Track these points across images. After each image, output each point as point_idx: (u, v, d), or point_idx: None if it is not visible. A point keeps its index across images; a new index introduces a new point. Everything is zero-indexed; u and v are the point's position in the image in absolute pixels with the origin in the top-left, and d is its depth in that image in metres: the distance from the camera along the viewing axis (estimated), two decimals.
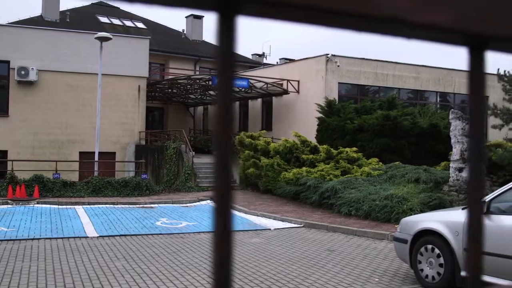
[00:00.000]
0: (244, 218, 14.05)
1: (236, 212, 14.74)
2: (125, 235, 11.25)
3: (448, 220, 7.18)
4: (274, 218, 13.72)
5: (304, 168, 16.90)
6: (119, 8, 34.96)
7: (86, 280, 7.53)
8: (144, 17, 37.15)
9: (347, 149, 17.61)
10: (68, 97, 23.40)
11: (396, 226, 9.44)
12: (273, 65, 31.41)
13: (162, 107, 32.10)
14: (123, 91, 24.30)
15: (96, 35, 20.02)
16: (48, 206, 15.70)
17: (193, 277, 7.81)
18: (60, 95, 23.28)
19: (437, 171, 14.43)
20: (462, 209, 7.34)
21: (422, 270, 7.35)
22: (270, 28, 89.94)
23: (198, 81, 24.60)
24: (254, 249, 9.96)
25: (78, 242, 10.37)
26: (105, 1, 32.17)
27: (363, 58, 23.94)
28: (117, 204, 16.31)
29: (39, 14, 31.16)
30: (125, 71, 24.13)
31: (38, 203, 16.06)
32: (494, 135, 21.78)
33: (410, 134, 18.47)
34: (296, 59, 27.19)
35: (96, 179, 18.24)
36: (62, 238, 10.76)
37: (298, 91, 24.01)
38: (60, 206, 15.71)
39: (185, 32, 36.44)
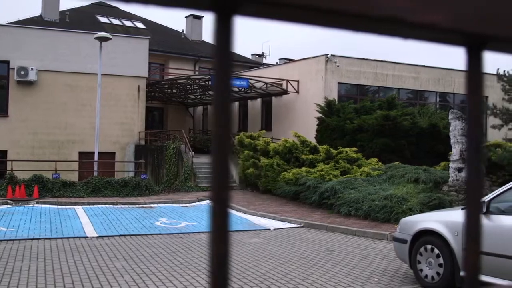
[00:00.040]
0: (243, 218, 14.05)
1: (235, 212, 14.75)
2: (124, 235, 11.25)
3: (448, 220, 7.18)
4: (274, 218, 13.72)
5: (303, 168, 16.90)
6: (118, 8, 34.98)
7: (85, 280, 7.53)
8: (144, 17, 37.17)
9: (347, 149, 17.61)
10: (67, 97, 23.39)
11: (395, 226, 9.44)
12: (272, 65, 31.41)
13: (161, 107, 32.11)
14: (122, 91, 24.30)
15: (95, 35, 20.02)
16: (47, 206, 15.70)
17: (193, 277, 7.81)
18: (59, 95, 23.28)
19: (437, 171, 14.43)
20: (462, 209, 7.35)
21: (421, 270, 7.35)
22: (270, 28, 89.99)
23: (197, 81, 24.60)
24: (254, 249, 9.96)
25: (77, 242, 10.37)
26: (104, 1, 32.18)
27: (363, 58, 23.95)
28: (116, 204, 16.31)
29: (39, 14, 31.16)
30: (124, 71, 24.13)
31: (37, 203, 16.06)
32: (494, 135, 21.78)
33: (409, 134, 18.47)
34: (295, 59, 27.19)
35: (95, 179, 18.24)
36: (61, 238, 10.76)
37: (297, 91, 24.01)
38: (59, 206, 15.71)
39: (184, 32, 36.44)
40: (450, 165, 13.34)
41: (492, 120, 21.87)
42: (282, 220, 13.42)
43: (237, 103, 28.75)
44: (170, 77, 27.24)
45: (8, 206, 15.57)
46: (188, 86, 25.94)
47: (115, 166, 22.92)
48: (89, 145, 22.13)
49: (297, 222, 12.98)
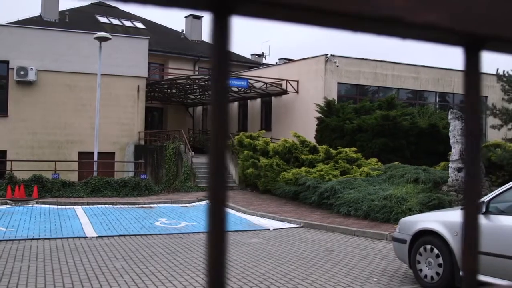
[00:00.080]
0: (243, 218, 14.05)
1: (235, 212, 14.75)
2: (124, 235, 11.25)
3: (447, 220, 7.19)
4: (273, 218, 13.72)
5: (303, 168, 16.90)
6: (118, 8, 34.97)
7: (85, 280, 7.53)
8: (143, 17, 37.16)
9: (346, 149, 17.62)
10: (67, 97, 23.40)
11: (395, 226, 9.45)
12: (272, 65, 31.42)
13: (161, 107, 32.11)
14: (122, 91, 24.31)
15: (95, 35, 20.02)
16: (47, 206, 15.70)
17: (192, 277, 7.81)
18: (59, 95, 23.28)
19: (436, 171, 14.44)
20: (461, 209, 7.33)
21: (421, 270, 7.35)
22: (269, 28, 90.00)
23: (197, 81, 24.60)
24: (253, 249, 9.96)
25: (77, 242, 10.37)
26: (104, 1, 32.16)
27: (362, 58, 23.96)
28: (116, 204, 16.30)
29: (38, 14, 31.15)
30: (124, 71, 24.14)
31: (37, 203, 16.06)
32: (493, 135, 21.78)
33: (409, 134, 18.47)
34: (295, 59, 27.20)
35: (95, 179, 18.23)
36: (61, 238, 10.76)
37: (297, 91, 24.01)
38: (59, 206, 15.71)
39: (184, 32, 36.43)
40: (450, 165, 13.35)
41: (491, 120, 21.88)
42: (281, 220, 13.42)
43: (236, 103, 28.77)
44: (169, 77, 27.24)
45: (8, 206, 15.57)
46: (188, 86, 25.95)
47: (115, 166, 22.92)
48: (89, 145, 22.13)
49: (297, 222, 12.98)
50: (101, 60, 19.91)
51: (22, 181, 17.06)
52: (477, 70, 0.52)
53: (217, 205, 0.40)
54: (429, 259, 7.23)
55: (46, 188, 17.29)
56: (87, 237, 10.99)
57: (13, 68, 22.35)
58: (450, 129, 13.26)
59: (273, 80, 24.24)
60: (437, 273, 7.11)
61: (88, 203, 16.18)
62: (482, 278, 6.20)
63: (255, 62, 36.00)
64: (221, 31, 0.41)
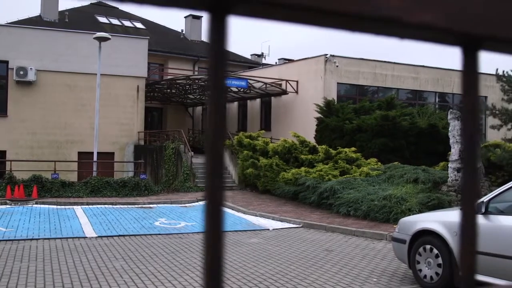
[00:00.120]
0: (242, 218, 14.04)
1: (234, 212, 14.75)
2: (123, 235, 11.25)
3: (446, 220, 7.19)
4: (273, 218, 13.72)
5: (303, 168, 16.91)
6: (117, 8, 34.96)
7: (84, 280, 7.53)
8: (143, 17, 37.15)
9: (346, 149, 17.62)
10: (66, 97, 23.39)
11: (394, 226, 9.45)
12: (272, 65, 31.42)
13: (161, 107, 32.10)
14: (122, 91, 24.30)
15: (94, 35, 20.02)
16: (46, 206, 15.70)
17: (192, 277, 7.81)
18: (58, 95, 23.28)
19: (436, 171, 14.44)
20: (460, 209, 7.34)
21: (420, 270, 7.35)
22: (269, 28, 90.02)
23: (197, 81, 24.60)
24: (253, 249, 9.96)
25: (76, 243, 10.37)
26: (103, 1, 32.16)
27: (362, 59, 23.96)
28: (115, 204, 16.30)
29: (38, 14, 31.13)
30: (124, 71, 24.13)
31: (36, 203, 16.06)
32: (493, 136, 21.79)
33: (408, 134, 18.48)
34: (295, 59, 27.20)
35: (94, 179, 18.23)
36: (60, 238, 10.76)
37: (297, 91, 24.01)
38: (58, 206, 15.71)
39: (184, 32, 36.42)
40: (449, 165, 13.35)
41: (491, 120, 21.89)
42: (281, 220, 13.42)
43: (236, 103, 28.77)
44: (169, 77, 27.23)
45: (7, 206, 15.57)
46: (188, 86, 25.94)
47: (114, 166, 22.91)
48: (88, 145, 22.12)
49: (296, 222, 12.98)
50: (100, 60, 19.91)
51: (21, 181, 17.06)
52: (474, 70, 0.52)
53: (214, 206, 0.40)
54: (429, 259, 7.24)
55: (45, 188, 17.28)
56: (86, 237, 10.99)
57: (13, 68, 22.34)
58: (449, 129, 13.26)
59: (272, 80, 24.24)
60: (437, 273, 7.11)
61: (87, 203, 16.18)
62: (482, 278, 6.20)
63: (255, 62, 35.99)
64: (218, 31, 0.41)
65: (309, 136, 19.94)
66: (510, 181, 7.08)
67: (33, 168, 18.58)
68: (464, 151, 0.53)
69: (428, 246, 7.26)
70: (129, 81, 24.43)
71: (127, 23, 34.02)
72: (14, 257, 8.94)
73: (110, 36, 20.30)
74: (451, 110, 14.04)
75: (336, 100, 21.64)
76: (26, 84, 22.76)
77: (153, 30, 33.79)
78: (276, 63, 35.43)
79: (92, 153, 20.13)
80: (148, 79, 26.22)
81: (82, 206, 15.74)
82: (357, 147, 18.10)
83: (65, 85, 23.35)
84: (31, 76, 22.48)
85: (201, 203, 16.98)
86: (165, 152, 21.74)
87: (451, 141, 13.10)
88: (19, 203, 15.85)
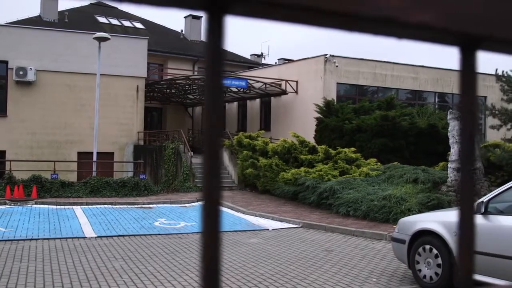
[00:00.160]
0: (242, 218, 14.04)
1: (234, 212, 14.75)
2: (123, 236, 11.24)
3: (446, 221, 7.19)
4: (272, 219, 13.72)
5: (302, 168, 16.90)
6: (117, 8, 34.96)
7: (84, 280, 7.53)
8: (143, 17, 37.14)
9: (346, 149, 17.62)
10: (66, 97, 23.39)
11: (394, 226, 9.45)
12: (271, 65, 31.42)
13: (160, 107, 32.10)
14: (121, 91, 24.30)
15: (94, 35, 20.02)
16: (46, 206, 15.69)
17: (191, 277, 7.80)
18: (58, 95, 23.27)
19: (435, 172, 14.44)
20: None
21: (420, 270, 7.35)
22: (269, 28, 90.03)
23: (196, 81, 24.59)
24: (253, 249, 9.96)
25: (76, 243, 10.36)
26: (103, 1, 32.16)
27: (362, 59, 23.97)
28: (115, 205, 16.30)
29: (38, 14, 31.13)
30: (123, 71, 24.13)
31: (36, 203, 16.05)
32: (492, 136, 21.79)
33: (408, 134, 18.48)
34: (294, 59, 27.21)
35: (94, 179, 18.23)
36: (60, 238, 10.75)
37: (296, 92, 24.02)
38: (58, 207, 15.70)
39: (183, 32, 36.42)
40: (449, 165, 13.36)
41: (491, 121, 21.89)
42: (280, 220, 13.42)
43: (236, 103, 28.77)
44: (169, 77, 27.24)
45: (7, 206, 15.56)
46: (187, 86, 25.94)
47: (114, 166, 22.91)
48: (88, 145, 22.12)
49: (296, 222, 12.98)
50: (100, 60, 19.91)
51: (21, 181, 17.05)
52: (472, 70, 0.52)
53: (211, 206, 0.40)
54: (428, 259, 7.24)
55: (45, 188, 17.28)
56: (86, 237, 10.98)
57: (12, 68, 22.34)
58: (449, 129, 13.26)
59: (272, 80, 24.24)
60: (436, 273, 7.11)
61: (87, 203, 16.18)
62: (481, 278, 6.20)
63: (255, 62, 35.99)
64: (215, 30, 0.41)
65: (309, 136, 19.95)
66: (510, 181, 7.08)
67: (33, 168, 18.58)
68: (462, 151, 0.53)
69: (427, 246, 7.26)
70: (128, 81, 24.43)
71: (126, 23, 34.02)
72: (13, 257, 8.94)
73: (109, 36, 20.29)
74: (450, 110, 14.04)
75: (335, 100, 21.64)
76: (26, 84, 22.75)
77: (152, 30, 33.78)
78: (275, 63, 35.43)
79: (92, 153, 20.13)
80: (148, 79, 26.22)
81: (82, 206, 15.73)
82: (357, 147, 18.10)
83: (65, 85, 23.34)
84: (30, 76, 22.48)
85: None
86: (164, 152, 21.74)
87: (450, 141, 13.10)
88: (18, 203, 15.85)
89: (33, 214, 14.01)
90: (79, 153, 23.23)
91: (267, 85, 24.08)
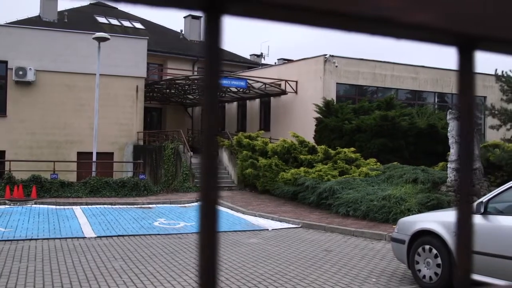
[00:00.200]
0: (242, 218, 14.04)
1: (234, 212, 14.75)
2: (123, 236, 11.24)
3: (446, 221, 7.18)
4: (272, 219, 13.72)
5: (302, 169, 16.90)
6: (117, 8, 34.94)
7: (83, 280, 7.53)
8: (142, 17, 37.13)
9: (345, 149, 17.62)
10: (66, 97, 23.38)
11: (393, 226, 9.45)
12: (271, 65, 31.42)
13: (160, 108, 32.09)
14: (121, 92, 24.29)
15: (94, 36, 20.02)
16: (45, 206, 15.69)
17: (191, 277, 7.80)
18: (58, 95, 23.26)
19: (435, 172, 14.44)
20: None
21: (419, 270, 7.35)
22: (268, 28, 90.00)
23: (196, 81, 24.59)
24: (252, 249, 9.96)
25: (76, 243, 10.36)
26: (102, 1, 32.13)
27: (361, 59, 23.97)
28: (115, 205, 16.29)
29: (37, 14, 31.12)
30: (123, 72, 24.12)
31: (35, 203, 16.05)
32: (492, 136, 21.80)
33: (408, 134, 18.49)
34: (294, 59, 27.21)
35: (94, 179, 18.22)
36: (59, 238, 10.75)
37: (296, 92, 24.02)
38: (57, 207, 15.70)
39: (183, 32, 36.41)
40: (448, 165, 13.36)
41: (490, 121, 21.90)
42: (280, 221, 13.42)
43: (235, 103, 28.77)
44: (168, 77, 27.23)
45: (6, 206, 15.56)
46: (187, 87, 25.94)
47: (114, 167, 22.90)
48: (88, 145, 22.11)
49: (295, 223, 12.98)
50: (99, 60, 19.91)
51: (20, 181, 17.05)
52: (470, 70, 0.52)
53: (208, 206, 0.40)
54: (428, 259, 7.24)
55: (44, 188, 17.28)
56: (85, 237, 10.98)
57: (12, 68, 22.33)
58: (448, 129, 13.27)
59: (272, 81, 24.24)
60: (436, 274, 7.11)
61: (86, 203, 16.17)
62: (481, 278, 6.20)
63: (254, 63, 35.99)
64: (213, 30, 0.41)
65: (308, 136, 19.95)
66: (509, 181, 7.08)
67: (32, 168, 18.57)
68: (460, 151, 0.53)
69: (427, 246, 7.26)
70: (128, 81, 24.42)
71: (126, 23, 34.01)
72: (13, 257, 8.94)
73: (109, 36, 20.29)
74: (450, 110, 14.04)
75: (335, 100, 21.64)
76: (25, 84, 22.75)
77: (152, 30, 33.78)
78: (275, 63, 35.43)
79: (91, 153, 20.13)
80: (147, 79, 26.21)
81: (81, 206, 15.73)
82: (356, 147, 18.10)
83: (64, 85, 23.34)
84: (30, 76, 22.48)
85: None
86: (164, 152, 21.74)
87: (450, 141, 13.10)
88: (18, 203, 15.84)
89: (32, 214, 14.00)
90: (78, 153, 23.23)
91: (267, 85, 24.08)
